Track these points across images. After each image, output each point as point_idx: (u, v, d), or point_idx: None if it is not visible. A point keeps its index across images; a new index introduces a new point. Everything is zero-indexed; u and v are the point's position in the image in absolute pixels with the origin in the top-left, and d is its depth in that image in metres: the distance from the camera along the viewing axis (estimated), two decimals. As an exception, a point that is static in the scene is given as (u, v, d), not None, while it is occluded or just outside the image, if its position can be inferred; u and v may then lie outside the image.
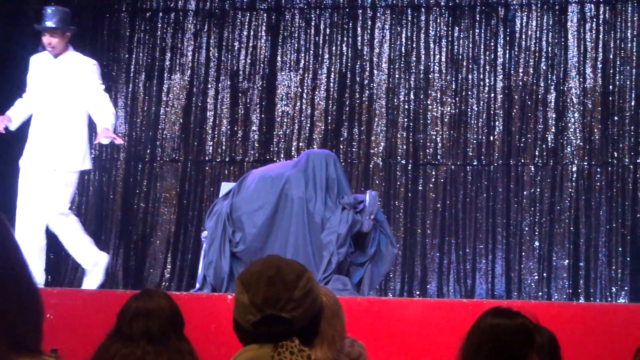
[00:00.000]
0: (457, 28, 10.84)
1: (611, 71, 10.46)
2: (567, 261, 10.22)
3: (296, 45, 11.16)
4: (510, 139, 10.57)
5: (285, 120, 11.05)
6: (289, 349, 2.67)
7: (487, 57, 10.74)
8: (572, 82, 10.51)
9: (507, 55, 10.70)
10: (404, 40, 10.94)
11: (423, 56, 10.87)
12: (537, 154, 10.49)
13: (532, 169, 10.49)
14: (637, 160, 10.28)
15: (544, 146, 10.48)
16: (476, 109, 10.68)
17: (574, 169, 10.40)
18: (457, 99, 10.73)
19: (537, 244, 10.34)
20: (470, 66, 10.76)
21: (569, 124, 10.46)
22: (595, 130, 10.41)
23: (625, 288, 10.07)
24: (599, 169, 10.35)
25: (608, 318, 7.01)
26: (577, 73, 10.51)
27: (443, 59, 10.83)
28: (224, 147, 11.12)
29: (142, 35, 11.46)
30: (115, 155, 11.27)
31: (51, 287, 9.22)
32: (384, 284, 10.25)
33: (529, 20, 10.69)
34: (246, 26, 11.28)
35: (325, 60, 11.06)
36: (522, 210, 10.43)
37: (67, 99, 8.55)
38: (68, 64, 8.63)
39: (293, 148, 10.93)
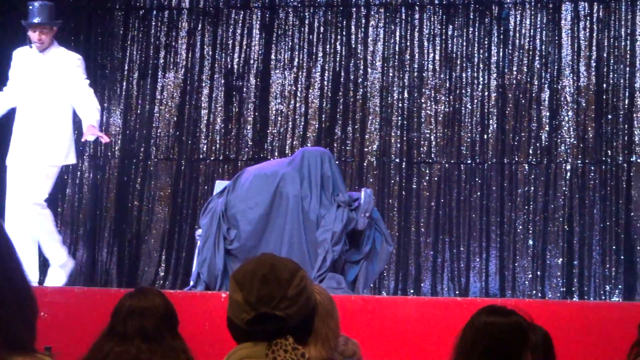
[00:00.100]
0: (451, 26, 10.84)
1: (605, 70, 10.47)
2: (561, 259, 10.23)
3: (290, 43, 11.15)
4: (504, 137, 10.57)
5: (279, 118, 11.05)
6: (283, 347, 2.66)
7: (481, 56, 10.75)
8: (565, 81, 10.52)
9: (501, 54, 10.70)
10: (397, 38, 10.94)
11: (417, 54, 10.87)
12: (531, 152, 10.50)
13: (526, 167, 10.50)
14: (631, 159, 10.29)
15: (537, 144, 10.49)
16: (470, 107, 10.68)
17: (568, 167, 10.41)
18: (451, 97, 10.73)
19: (531, 242, 10.34)
20: (464, 64, 10.77)
21: (563, 123, 10.46)
22: (589, 128, 10.42)
23: (619, 286, 10.08)
24: (592, 168, 10.36)
25: (602, 316, 7.03)
26: (571, 71, 10.52)
27: (437, 57, 10.83)
28: (218, 146, 11.12)
29: (136, 33, 11.45)
30: (110, 154, 11.26)
31: (44, 285, 9.22)
32: (378, 283, 10.25)
33: (523, 18, 10.70)
34: (240, 24, 11.27)
35: (319, 59, 11.06)
36: (516, 209, 10.44)
37: (53, 94, 8.55)
38: (53, 59, 8.64)
39: (287, 146, 10.93)
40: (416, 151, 10.75)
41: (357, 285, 7.87)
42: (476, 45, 10.77)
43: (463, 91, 10.72)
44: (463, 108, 10.69)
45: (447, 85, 10.76)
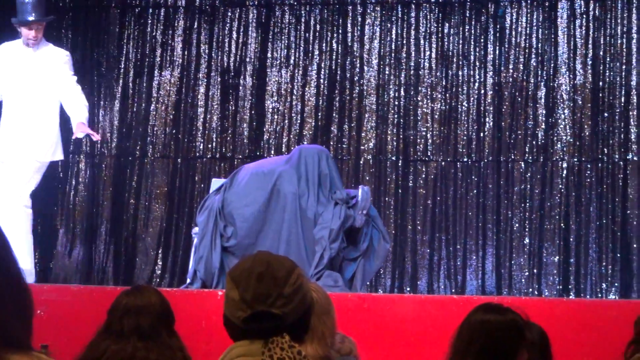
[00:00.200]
0: (447, 24, 10.84)
1: (601, 68, 10.48)
2: (557, 257, 10.24)
3: (286, 41, 11.15)
4: (500, 135, 10.58)
5: (276, 116, 11.05)
6: (279, 345, 2.67)
7: (477, 54, 10.75)
8: (562, 79, 10.52)
9: (497, 52, 10.70)
10: (394, 36, 10.94)
11: (413, 52, 10.87)
12: (527, 150, 10.50)
13: (522, 165, 10.50)
14: (627, 157, 10.30)
15: (534, 142, 10.50)
16: (466, 105, 10.68)
17: (564, 165, 10.41)
18: (447, 95, 10.74)
19: (527, 240, 10.35)
20: (461, 62, 10.77)
21: (559, 121, 10.47)
22: (585, 126, 10.43)
23: (616, 284, 10.09)
24: (589, 166, 10.37)
25: (598, 314, 7.03)
26: (567, 69, 10.52)
27: (433, 55, 10.84)
28: (214, 143, 11.12)
29: (132, 31, 11.44)
30: (106, 152, 11.25)
31: (41, 283, 9.21)
32: (375, 280, 10.25)
33: (519, 16, 10.70)
34: (236, 22, 11.26)
35: (315, 57, 11.06)
36: (513, 207, 10.44)
37: (41, 90, 8.53)
38: (42, 55, 8.63)
39: (283, 144, 10.93)
40: (412, 149, 10.75)
41: (355, 283, 7.87)
42: (472, 43, 10.78)
43: (459, 89, 10.72)
44: (459, 106, 10.70)
45: (444, 83, 10.76)
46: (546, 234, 10.31)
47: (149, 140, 11.22)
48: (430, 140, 10.72)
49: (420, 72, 10.82)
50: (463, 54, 10.77)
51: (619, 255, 10.14)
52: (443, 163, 10.66)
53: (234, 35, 11.25)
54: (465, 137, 10.65)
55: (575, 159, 10.39)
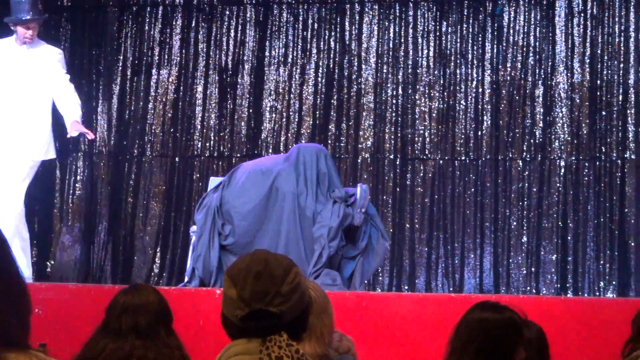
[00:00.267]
0: (445, 23, 10.84)
1: (599, 66, 10.48)
2: (555, 256, 10.24)
3: (284, 40, 11.15)
4: (498, 133, 10.58)
5: (274, 115, 11.04)
6: (277, 343, 2.67)
7: (475, 52, 10.75)
8: (559, 77, 10.52)
9: (495, 50, 10.70)
10: (391, 35, 10.94)
11: (411, 51, 10.87)
12: (525, 148, 10.50)
13: (520, 163, 10.50)
14: (625, 155, 10.30)
15: (532, 141, 10.50)
16: (464, 103, 10.68)
17: (562, 163, 10.41)
18: (445, 93, 10.73)
19: (525, 238, 10.35)
20: (458, 61, 10.77)
21: (557, 119, 10.47)
22: (583, 125, 10.43)
23: (613, 283, 10.09)
24: (586, 164, 10.37)
25: (596, 312, 7.03)
26: (565, 68, 10.52)
27: (431, 53, 10.83)
28: (212, 142, 11.11)
29: (130, 30, 11.43)
30: (104, 150, 11.25)
31: (38, 281, 9.21)
32: (373, 279, 10.25)
33: (517, 15, 10.70)
34: (234, 21, 11.26)
35: (313, 55, 11.06)
36: (510, 205, 10.44)
37: (34, 88, 8.51)
38: (36, 53, 8.60)
39: (281, 143, 10.92)
40: (410, 147, 10.75)
41: (354, 281, 7.87)
42: (470, 41, 10.77)
43: (457, 88, 10.72)
44: (457, 104, 10.69)
45: (441, 82, 10.76)
46: (544, 233, 10.31)
47: (146, 139, 11.22)
48: (428, 139, 10.72)
49: (418, 71, 10.82)
50: (461, 52, 10.77)
51: (616, 253, 10.14)
52: (441, 161, 10.67)
53: (232, 33, 11.24)
54: (463, 136, 10.65)
55: (573, 158, 10.39)
